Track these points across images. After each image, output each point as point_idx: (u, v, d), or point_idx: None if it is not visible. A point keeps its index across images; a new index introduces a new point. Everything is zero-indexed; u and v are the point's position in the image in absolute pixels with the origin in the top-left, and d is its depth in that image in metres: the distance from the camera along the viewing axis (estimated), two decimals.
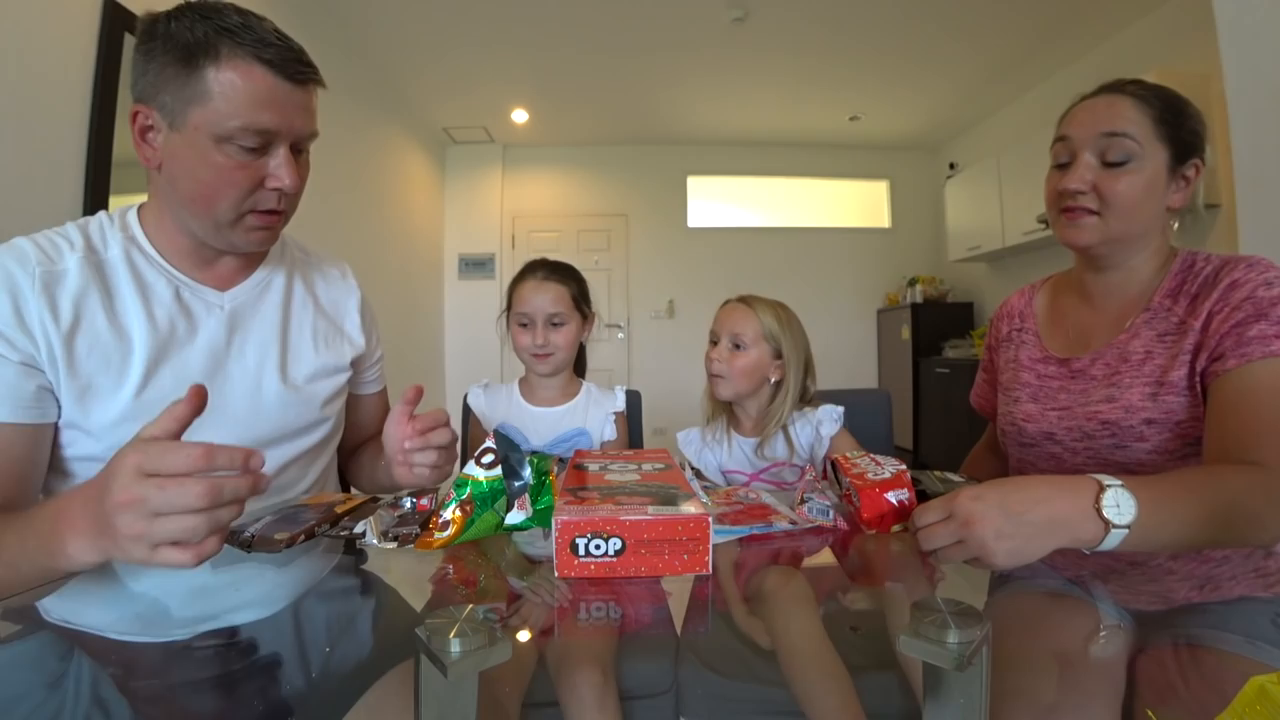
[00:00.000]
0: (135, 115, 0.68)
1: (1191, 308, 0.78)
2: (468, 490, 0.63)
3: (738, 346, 1.17)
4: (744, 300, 1.22)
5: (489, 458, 0.64)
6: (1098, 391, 0.84)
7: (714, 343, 1.21)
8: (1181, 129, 0.79)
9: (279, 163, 0.70)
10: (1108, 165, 0.79)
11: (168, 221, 0.75)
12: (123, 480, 0.44)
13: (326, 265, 0.94)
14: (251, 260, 0.83)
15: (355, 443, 1.01)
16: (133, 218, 0.75)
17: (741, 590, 0.67)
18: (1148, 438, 0.78)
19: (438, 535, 0.62)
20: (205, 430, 0.73)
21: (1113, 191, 0.78)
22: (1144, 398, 0.79)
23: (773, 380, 1.19)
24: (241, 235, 0.73)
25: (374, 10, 2.93)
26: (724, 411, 1.25)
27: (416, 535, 0.65)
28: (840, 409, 1.18)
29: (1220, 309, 0.74)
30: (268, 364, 0.81)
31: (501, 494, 0.63)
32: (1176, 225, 0.84)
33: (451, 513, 0.63)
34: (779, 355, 1.18)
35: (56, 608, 0.63)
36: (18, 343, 0.64)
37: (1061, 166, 0.84)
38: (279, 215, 0.74)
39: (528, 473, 0.64)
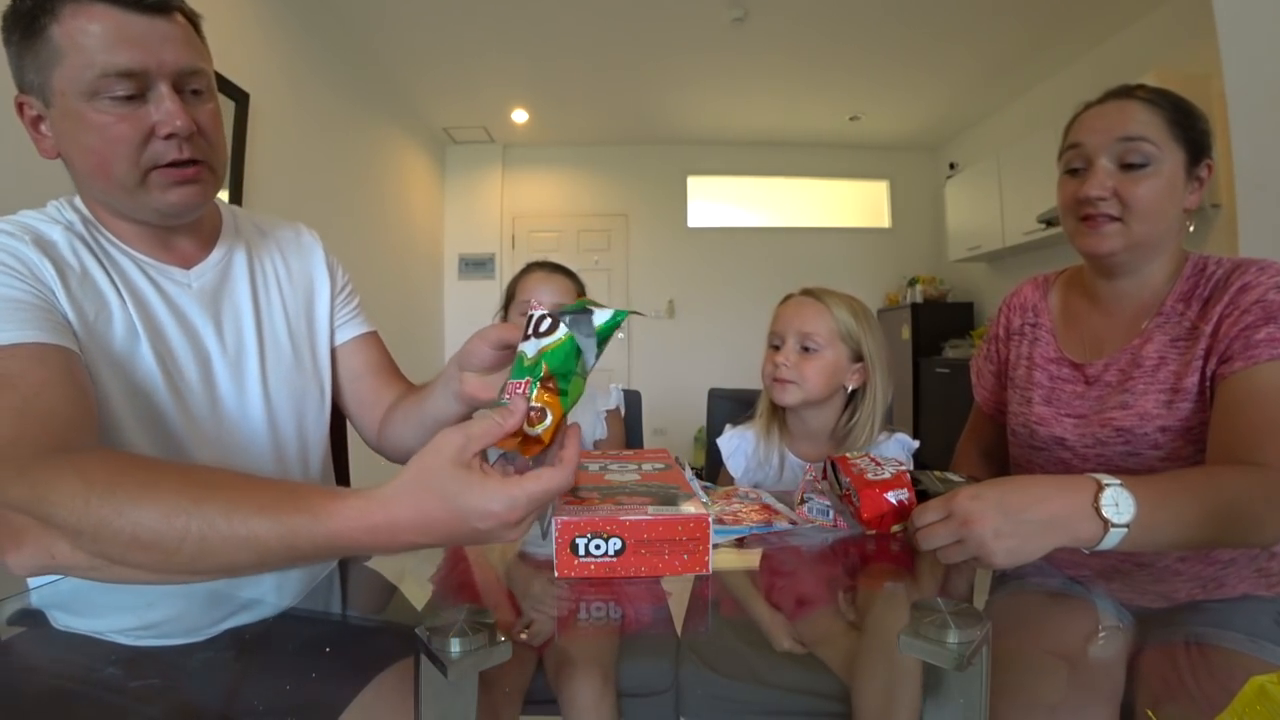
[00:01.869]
0: (21, 108, 0.65)
1: (1203, 312, 0.78)
2: (542, 365, 0.51)
3: (807, 349, 1.00)
4: (810, 294, 1.05)
5: (546, 323, 0.52)
6: (1112, 398, 0.83)
7: (775, 346, 1.05)
8: (1193, 129, 0.79)
9: (162, 104, 0.63)
10: (1126, 169, 0.78)
11: (100, 208, 0.71)
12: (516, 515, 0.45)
13: (281, 230, 0.89)
14: (206, 237, 0.78)
15: (377, 401, 0.88)
16: (80, 203, 0.71)
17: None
18: (1161, 445, 0.78)
19: (533, 431, 0.50)
20: (195, 418, 0.71)
21: (1134, 196, 0.77)
22: (1158, 405, 0.78)
23: (849, 388, 1.02)
24: (158, 197, 0.66)
25: (375, 11, 2.93)
26: (777, 422, 1.08)
27: None
28: (916, 443, 1.04)
29: (1230, 312, 0.74)
30: (246, 344, 0.77)
31: (577, 351, 0.52)
32: (1192, 228, 0.83)
33: (539, 398, 0.50)
34: (858, 357, 1.01)
35: (64, 618, 0.63)
36: (33, 284, 0.62)
37: (1074, 173, 0.83)
38: (195, 167, 0.67)
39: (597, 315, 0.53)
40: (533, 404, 0.50)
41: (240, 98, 2.25)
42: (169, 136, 0.64)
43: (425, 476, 0.44)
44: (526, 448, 0.50)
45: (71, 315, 0.63)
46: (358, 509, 0.44)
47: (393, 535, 0.44)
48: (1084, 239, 0.82)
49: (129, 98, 0.62)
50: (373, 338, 0.93)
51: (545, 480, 0.45)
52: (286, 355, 0.81)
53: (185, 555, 0.43)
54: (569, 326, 0.51)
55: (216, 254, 0.78)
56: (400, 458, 0.83)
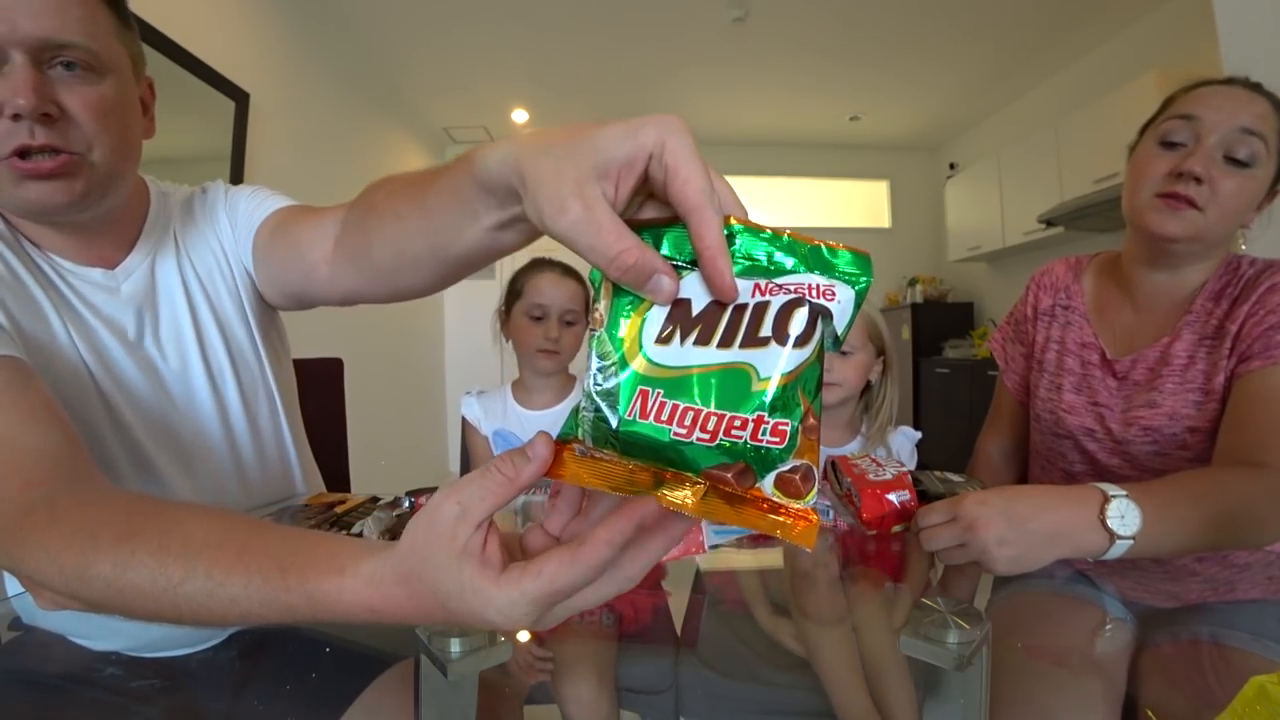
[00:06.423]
0: None
1: (1231, 311, 0.76)
2: (798, 396, 0.30)
3: (845, 353, 1.04)
4: None
5: (801, 323, 0.30)
6: (1139, 397, 0.81)
7: None
8: None
9: (11, 77, 0.52)
10: (1228, 161, 0.74)
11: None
12: (525, 613, 0.30)
13: (194, 201, 0.77)
14: (128, 233, 0.70)
15: (316, 239, 0.65)
16: None
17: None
18: (1190, 445, 0.77)
19: (799, 504, 0.30)
20: (151, 433, 0.66)
21: (1226, 191, 0.73)
22: (1188, 405, 0.77)
23: (871, 381, 1.10)
24: (17, 189, 0.55)
25: (374, 11, 2.93)
26: None
27: None
28: (919, 434, 1.12)
29: (1256, 311, 0.73)
30: (188, 349, 0.71)
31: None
32: (1245, 246, 0.82)
33: (802, 451, 0.30)
34: (880, 352, 1.08)
35: (72, 636, 0.63)
36: None
37: (1170, 145, 0.77)
38: (57, 158, 0.55)
39: None
40: (796, 462, 0.29)
41: (240, 98, 2.25)
42: (15, 117, 0.53)
43: (417, 563, 0.32)
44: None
45: (5, 322, 0.55)
46: (353, 591, 0.34)
47: (400, 617, 0.35)
48: (1154, 215, 0.76)
49: None
50: (285, 209, 0.74)
51: (550, 574, 0.29)
52: (222, 353, 0.74)
53: (187, 624, 0.38)
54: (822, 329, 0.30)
55: (139, 254, 0.69)
56: (395, 295, 0.59)
